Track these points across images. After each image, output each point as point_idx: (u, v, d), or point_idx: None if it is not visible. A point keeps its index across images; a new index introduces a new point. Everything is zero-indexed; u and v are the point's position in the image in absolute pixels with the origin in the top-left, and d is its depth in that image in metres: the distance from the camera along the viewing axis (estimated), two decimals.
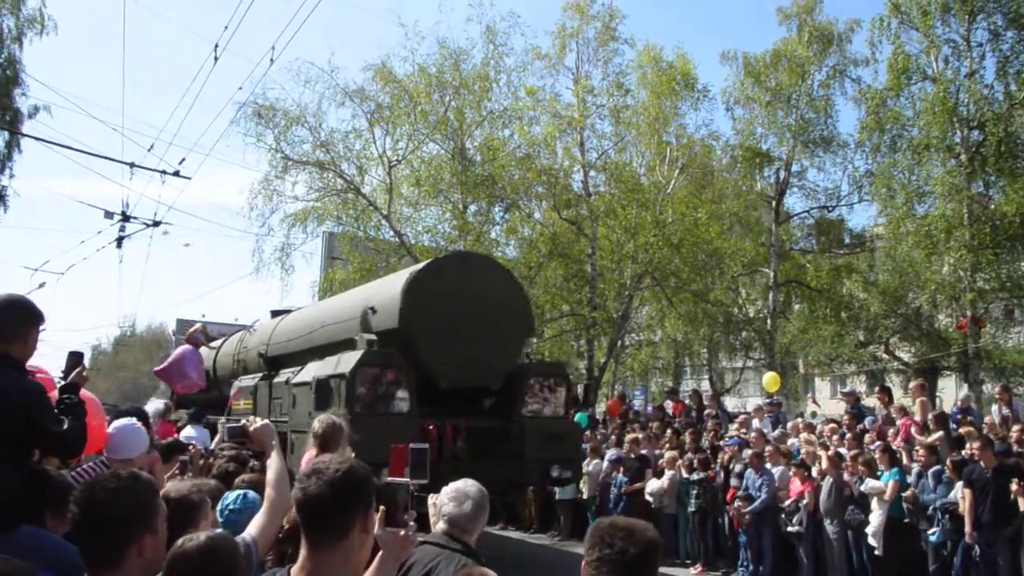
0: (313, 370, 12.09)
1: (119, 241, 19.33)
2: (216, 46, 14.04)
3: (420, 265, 12.79)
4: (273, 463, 4.24)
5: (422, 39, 29.42)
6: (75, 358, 5.55)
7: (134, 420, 5.99)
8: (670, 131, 29.70)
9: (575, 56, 30.86)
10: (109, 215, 18.58)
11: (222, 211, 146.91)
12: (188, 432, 12.47)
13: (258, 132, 28.97)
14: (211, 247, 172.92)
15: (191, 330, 15.49)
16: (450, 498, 4.34)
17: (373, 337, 11.73)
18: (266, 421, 4.69)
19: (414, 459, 3.34)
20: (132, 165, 16.71)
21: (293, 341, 15.03)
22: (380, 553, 2.95)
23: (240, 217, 46.31)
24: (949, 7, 25.38)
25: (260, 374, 15.41)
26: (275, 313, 18.73)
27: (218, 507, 4.35)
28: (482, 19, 30.93)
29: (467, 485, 4.44)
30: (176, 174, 17.04)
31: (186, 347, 14.72)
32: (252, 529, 3.76)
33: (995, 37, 25.31)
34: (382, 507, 2.95)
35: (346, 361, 11.51)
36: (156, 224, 18.84)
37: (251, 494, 4.48)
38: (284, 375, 13.76)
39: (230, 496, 4.53)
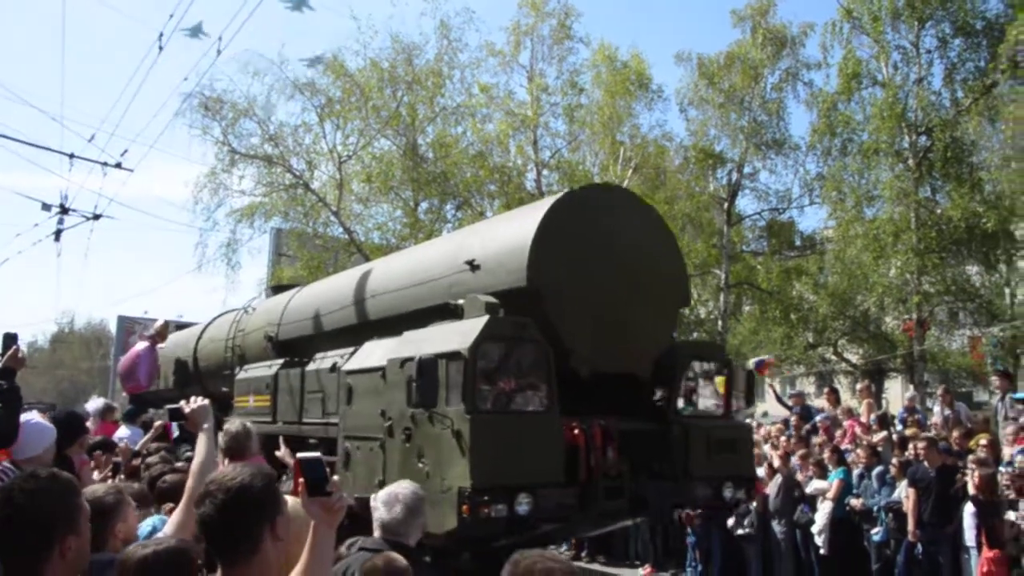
0: (384, 351, 9.24)
1: (57, 234, 18.98)
2: (161, 35, 13.91)
3: (550, 201, 9.40)
4: (200, 447, 4.24)
5: (375, 33, 29.93)
6: (9, 339, 5.50)
7: (34, 415, 5.83)
8: (624, 131, 30.35)
9: (529, 53, 31.71)
10: (47, 207, 18.30)
11: (166, 205, 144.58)
12: (121, 432, 12.14)
13: (204, 124, 29.31)
14: (154, 242, 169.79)
15: (156, 326, 15.93)
16: (382, 502, 4.55)
17: (492, 300, 8.53)
18: (204, 402, 4.65)
19: (308, 474, 2.94)
20: (72, 156, 16.51)
21: (325, 318, 12.39)
22: (312, 524, 2.94)
23: (184, 211, 46.25)
24: (899, 14, 26.29)
25: (272, 362, 12.72)
26: (277, 289, 16.88)
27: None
28: (436, 14, 31.38)
29: (400, 487, 4.64)
30: (118, 166, 16.75)
31: (143, 345, 15.17)
32: (168, 527, 3.85)
33: (943, 44, 26.34)
34: (301, 481, 2.96)
35: (451, 335, 8.32)
36: (96, 217, 18.34)
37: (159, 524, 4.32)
38: (324, 360, 10.95)
39: (144, 528, 4.37)
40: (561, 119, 31.61)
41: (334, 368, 10.43)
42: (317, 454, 3.05)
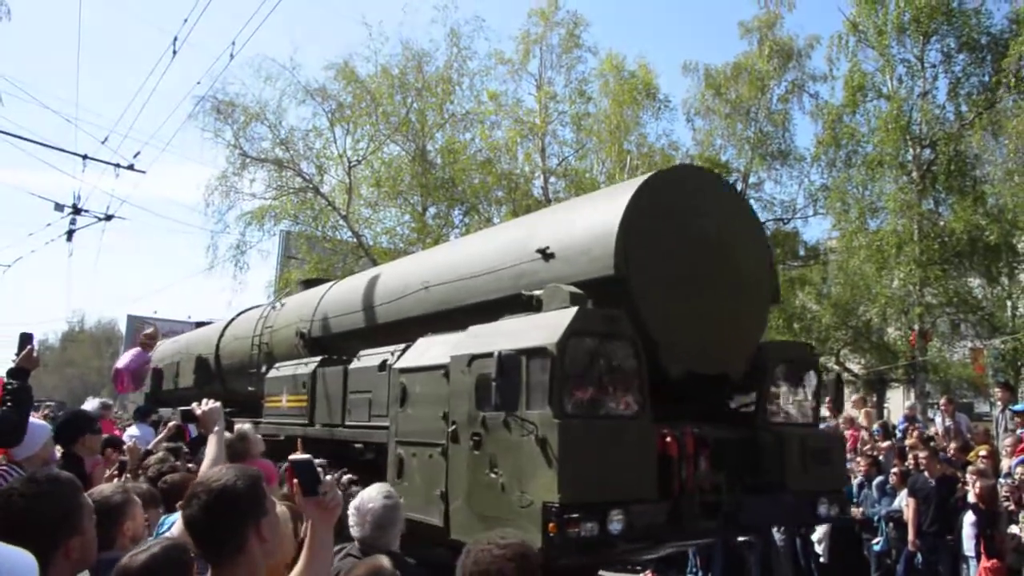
0: (445, 347, 8.12)
1: (69, 234, 18.70)
2: (175, 39, 13.53)
3: (636, 182, 8.08)
4: (210, 449, 4.14)
5: (385, 39, 29.45)
6: (24, 339, 5.29)
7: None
8: (631, 140, 29.66)
9: (538, 62, 30.92)
10: (60, 207, 18.03)
11: (177, 207, 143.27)
12: (132, 431, 12.03)
13: (216, 127, 28.47)
14: (165, 243, 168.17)
15: (147, 332, 14.93)
16: (352, 517, 4.37)
17: (577, 290, 7.29)
18: (216, 404, 4.54)
19: (300, 475, 2.89)
20: (85, 157, 16.21)
21: (365, 313, 11.13)
22: (310, 523, 2.97)
23: (195, 213, 45.71)
24: (904, 28, 25.73)
25: (308, 359, 11.40)
26: (309, 283, 15.48)
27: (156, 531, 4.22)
28: (446, 21, 30.72)
29: (367, 498, 4.42)
30: (130, 168, 16.50)
31: (137, 350, 14.16)
32: (175, 528, 3.71)
33: (947, 59, 25.72)
34: (295, 482, 2.97)
35: (531, 329, 7.06)
36: (108, 218, 18.15)
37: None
38: (370, 357, 9.67)
39: (167, 522, 4.34)
40: (569, 127, 30.94)
41: (384, 366, 9.13)
42: (308, 456, 3.04)
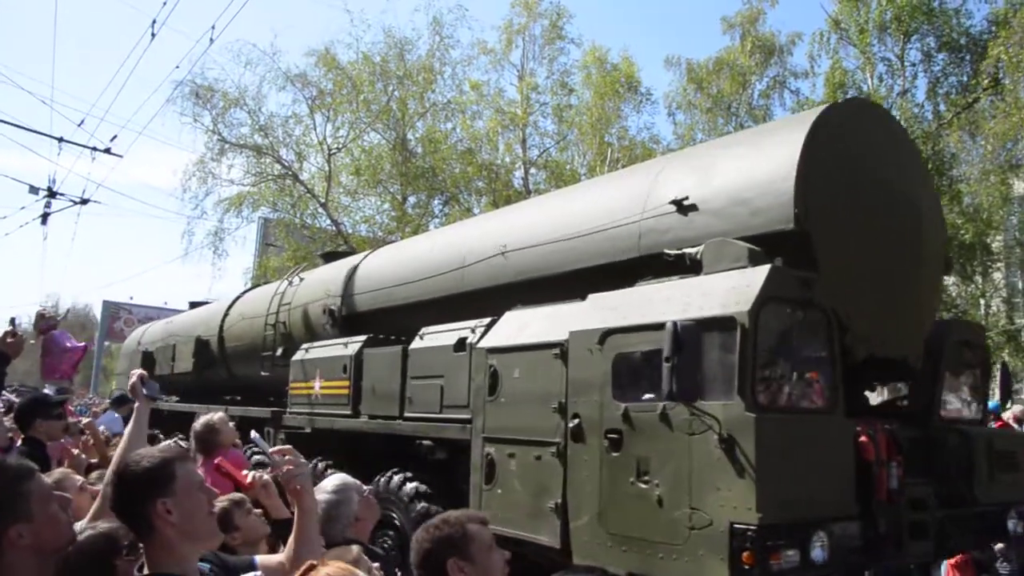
0: (550, 321, 6.18)
1: (44, 218, 17.28)
2: (154, 22, 12.45)
3: (809, 116, 5.98)
4: (129, 428, 3.66)
5: (368, 27, 27.41)
6: (10, 323, 4.94)
7: None
8: (612, 132, 27.72)
9: (521, 53, 28.70)
10: (34, 190, 16.58)
11: (154, 192, 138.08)
12: (107, 416, 11.65)
13: (195, 112, 26.40)
14: (141, 228, 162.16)
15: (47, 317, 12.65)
16: None
17: (751, 246, 5.30)
18: (141, 372, 3.79)
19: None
20: (61, 140, 15.18)
21: (416, 286, 8.81)
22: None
23: (172, 199, 43.32)
24: (886, 27, 24.77)
25: (349, 339, 9.08)
26: (330, 256, 13.16)
27: None
28: (429, 10, 28.56)
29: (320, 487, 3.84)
30: (107, 151, 15.35)
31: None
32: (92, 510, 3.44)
33: (927, 58, 24.78)
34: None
35: (697, 295, 5.14)
36: (84, 202, 16.61)
37: None
38: (437, 335, 7.51)
39: None
40: (550, 119, 28.72)
41: (463, 345, 6.97)
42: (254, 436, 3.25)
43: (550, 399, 5.84)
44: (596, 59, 27.70)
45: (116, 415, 12.37)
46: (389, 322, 9.08)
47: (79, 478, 4.10)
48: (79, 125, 18.26)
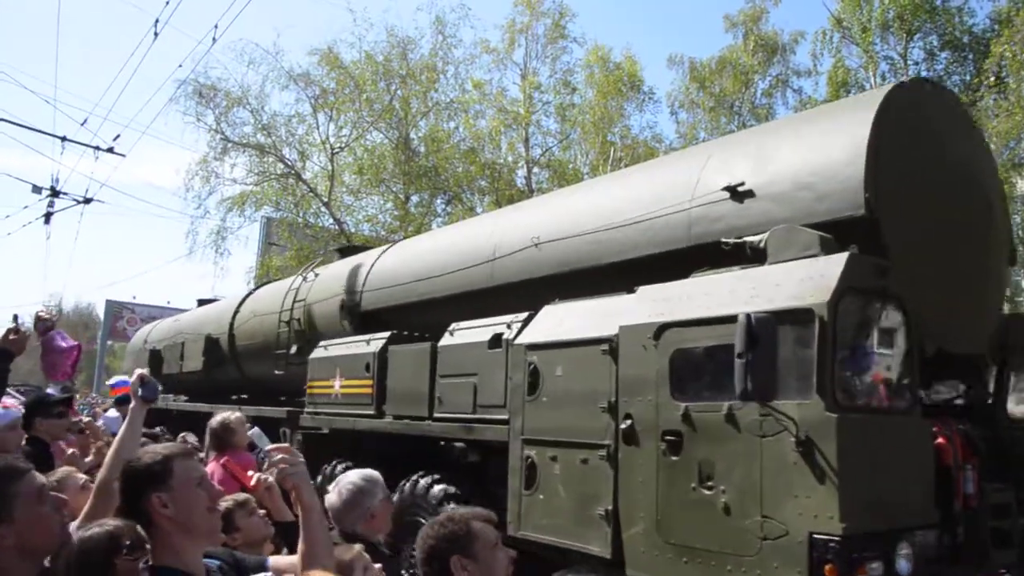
0: (595, 315, 5.65)
1: (47, 217, 17.12)
2: (156, 21, 12.17)
3: (876, 96, 5.57)
4: (123, 426, 3.49)
5: (370, 26, 27.00)
6: (13, 320, 4.90)
7: None
8: (615, 131, 27.17)
9: (523, 52, 28.10)
10: (37, 190, 16.57)
11: (157, 191, 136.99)
12: (108, 415, 11.54)
13: (198, 112, 25.86)
14: (144, 227, 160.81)
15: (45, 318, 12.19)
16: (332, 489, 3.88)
17: (822, 234, 4.81)
18: (140, 371, 3.70)
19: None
20: (64, 139, 15.12)
21: (442, 280, 8.24)
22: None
23: (175, 198, 42.85)
24: (888, 25, 24.41)
25: (371, 336, 8.44)
26: (345, 251, 12.33)
27: None
28: (432, 9, 28.06)
29: (332, 495, 3.81)
30: (110, 150, 15.26)
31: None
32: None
33: (930, 57, 24.65)
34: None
35: (765, 286, 4.66)
36: (87, 201, 16.53)
37: None
38: (471, 331, 6.94)
39: None
40: (553, 118, 28.16)
41: (498, 342, 6.44)
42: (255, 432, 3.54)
43: (598, 398, 5.36)
44: (599, 58, 27.16)
45: (117, 414, 12.03)
46: (411, 318, 8.55)
47: (82, 477, 4.01)
48: (82, 124, 18.33)
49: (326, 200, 26.30)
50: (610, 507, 5.19)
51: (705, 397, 4.79)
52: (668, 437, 4.89)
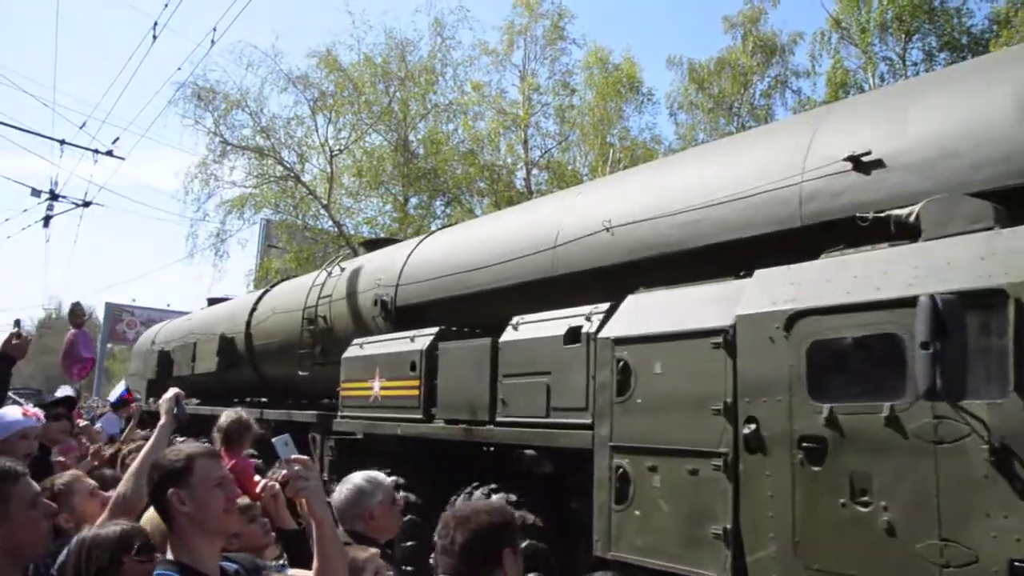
0: (702, 303, 4.78)
1: (46, 220, 16.83)
2: (155, 24, 11.93)
3: None
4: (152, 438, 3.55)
5: (369, 28, 26.28)
6: (15, 325, 4.90)
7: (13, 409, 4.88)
8: (614, 133, 26.48)
9: (522, 53, 27.39)
10: (36, 193, 16.30)
11: (156, 194, 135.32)
12: (106, 418, 11.39)
13: (196, 114, 24.99)
14: (143, 230, 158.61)
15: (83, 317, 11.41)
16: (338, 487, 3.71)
17: (999, 206, 3.95)
18: (173, 391, 3.73)
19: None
20: (63, 142, 14.92)
21: (501, 268, 7.13)
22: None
23: (174, 201, 41.84)
24: (887, 26, 23.97)
25: (415, 333, 7.39)
26: (372, 244, 11.29)
27: None
28: (431, 11, 27.21)
29: (336, 492, 3.59)
30: (109, 153, 15.02)
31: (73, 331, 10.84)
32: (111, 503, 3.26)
33: (929, 58, 24.18)
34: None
35: (946, 266, 3.74)
36: (86, 204, 16.37)
37: None
38: (538, 325, 5.97)
39: None
40: (552, 119, 27.37)
41: (577, 336, 5.48)
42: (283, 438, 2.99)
43: (709, 400, 4.48)
44: (598, 59, 26.47)
45: (115, 416, 11.81)
46: (455, 312, 7.58)
47: (91, 482, 3.86)
48: (81, 127, 18.41)
49: (325, 202, 25.41)
50: (728, 525, 4.32)
51: (855, 397, 3.93)
52: (806, 444, 4.03)
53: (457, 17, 26.30)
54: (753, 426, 4.27)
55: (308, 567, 2.73)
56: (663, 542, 4.66)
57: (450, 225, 10.92)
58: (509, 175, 27.11)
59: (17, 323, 4.87)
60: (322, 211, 25.82)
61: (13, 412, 4.86)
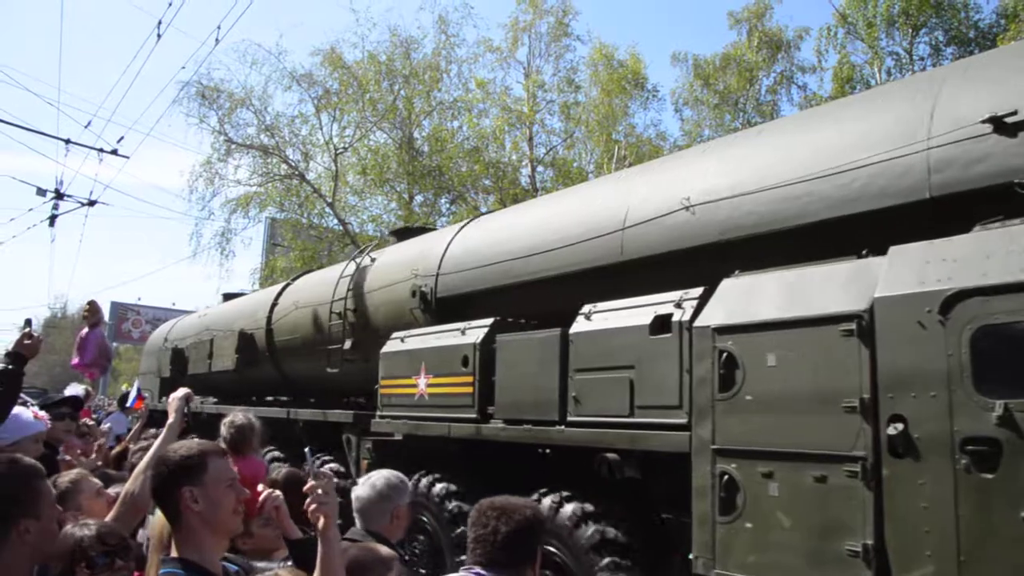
0: (823, 285, 4.06)
1: (52, 219, 16.54)
2: (159, 23, 11.75)
3: None
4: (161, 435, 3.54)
5: (373, 26, 25.81)
6: (25, 324, 4.76)
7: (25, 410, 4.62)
8: (619, 129, 25.80)
9: (527, 50, 26.72)
10: (42, 192, 16.02)
11: (161, 193, 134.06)
12: (113, 417, 11.29)
13: (201, 113, 24.57)
14: (148, 229, 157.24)
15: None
16: (361, 484, 3.67)
17: None
18: (182, 391, 3.69)
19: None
20: (68, 142, 14.60)
21: (549, 256, 6.42)
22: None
23: (179, 200, 41.41)
24: (894, 21, 23.45)
25: (466, 325, 6.55)
26: (402, 233, 10.32)
27: None
28: (435, 8, 26.69)
29: (363, 488, 3.59)
30: (114, 152, 14.79)
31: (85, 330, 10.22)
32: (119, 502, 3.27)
33: (936, 52, 23.70)
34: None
35: None
36: (91, 203, 15.95)
37: None
38: (615, 315, 5.22)
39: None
40: (557, 116, 26.72)
41: (666, 325, 4.73)
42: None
43: (840, 396, 3.79)
44: (603, 56, 25.81)
45: (122, 416, 11.68)
46: (504, 303, 6.82)
47: (96, 482, 3.78)
48: (86, 127, 17.97)
49: (330, 200, 24.87)
50: (870, 541, 3.63)
51: None
52: (972, 447, 3.35)
53: (461, 14, 27.09)
54: (900, 426, 3.58)
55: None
56: (783, 559, 3.97)
57: (455, 222, 10.26)
58: (514, 172, 26.48)
59: (28, 322, 4.69)
60: (327, 209, 25.27)
61: (27, 414, 4.69)
